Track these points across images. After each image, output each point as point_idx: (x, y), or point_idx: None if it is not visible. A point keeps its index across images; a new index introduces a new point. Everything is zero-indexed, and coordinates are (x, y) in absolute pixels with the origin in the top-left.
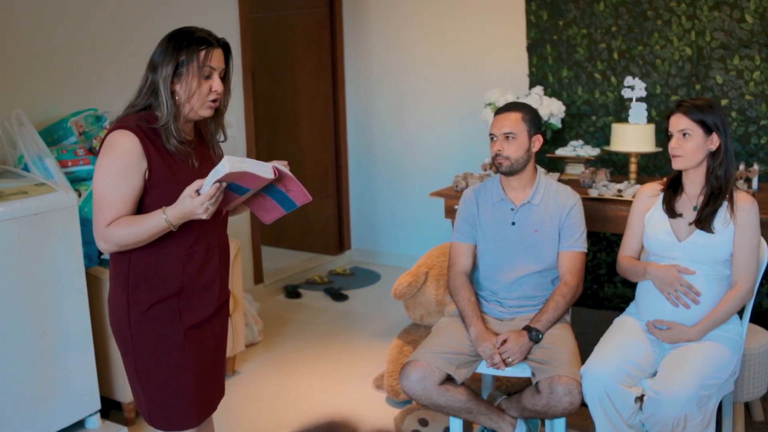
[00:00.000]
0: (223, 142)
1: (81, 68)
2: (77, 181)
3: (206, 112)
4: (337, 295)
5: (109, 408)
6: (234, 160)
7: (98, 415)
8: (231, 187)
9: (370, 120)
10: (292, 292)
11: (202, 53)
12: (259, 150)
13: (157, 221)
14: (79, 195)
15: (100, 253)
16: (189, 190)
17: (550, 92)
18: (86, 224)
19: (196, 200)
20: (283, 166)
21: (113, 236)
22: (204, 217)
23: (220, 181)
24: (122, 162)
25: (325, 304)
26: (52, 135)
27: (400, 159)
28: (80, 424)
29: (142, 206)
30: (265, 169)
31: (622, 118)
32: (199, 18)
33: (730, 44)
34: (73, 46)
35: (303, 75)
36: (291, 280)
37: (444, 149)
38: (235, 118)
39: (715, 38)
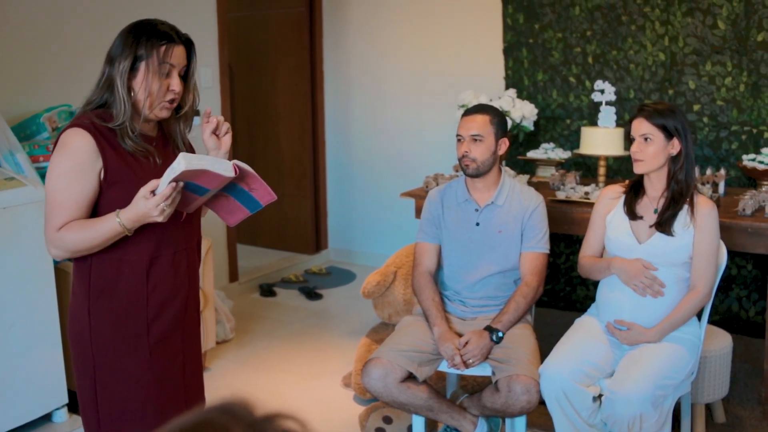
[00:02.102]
0: None
1: (55, 64)
2: None
3: (163, 113)
4: (312, 294)
5: (77, 402)
6: (190, 158)
7: (65, 408)
8: (189, 188)
9: (348, 120)
10: (267, 291)
11: (162, 49)
12: (237, 149)
13: (111, 225)
14: None
15: None
16: (144, 190)
17: (526, 95)
18: None
19: (150, 201)
20: (244, 164)
21: (64, 242)
22: (160, 219)
23: (176, 180)
24: (75, 161)
25: (299, 302)
26: (25, 130)
27: (379, 159)
28: (47, 417)
29: (98, 207)
30: (224, 167)
31: (596, 121)
32: (176, 16)
33: (702, 50)
34: (48, 43)
35: (282, 74)
36: (266, 278)
37: (421, 150)
38: None
39: (688, 44)
